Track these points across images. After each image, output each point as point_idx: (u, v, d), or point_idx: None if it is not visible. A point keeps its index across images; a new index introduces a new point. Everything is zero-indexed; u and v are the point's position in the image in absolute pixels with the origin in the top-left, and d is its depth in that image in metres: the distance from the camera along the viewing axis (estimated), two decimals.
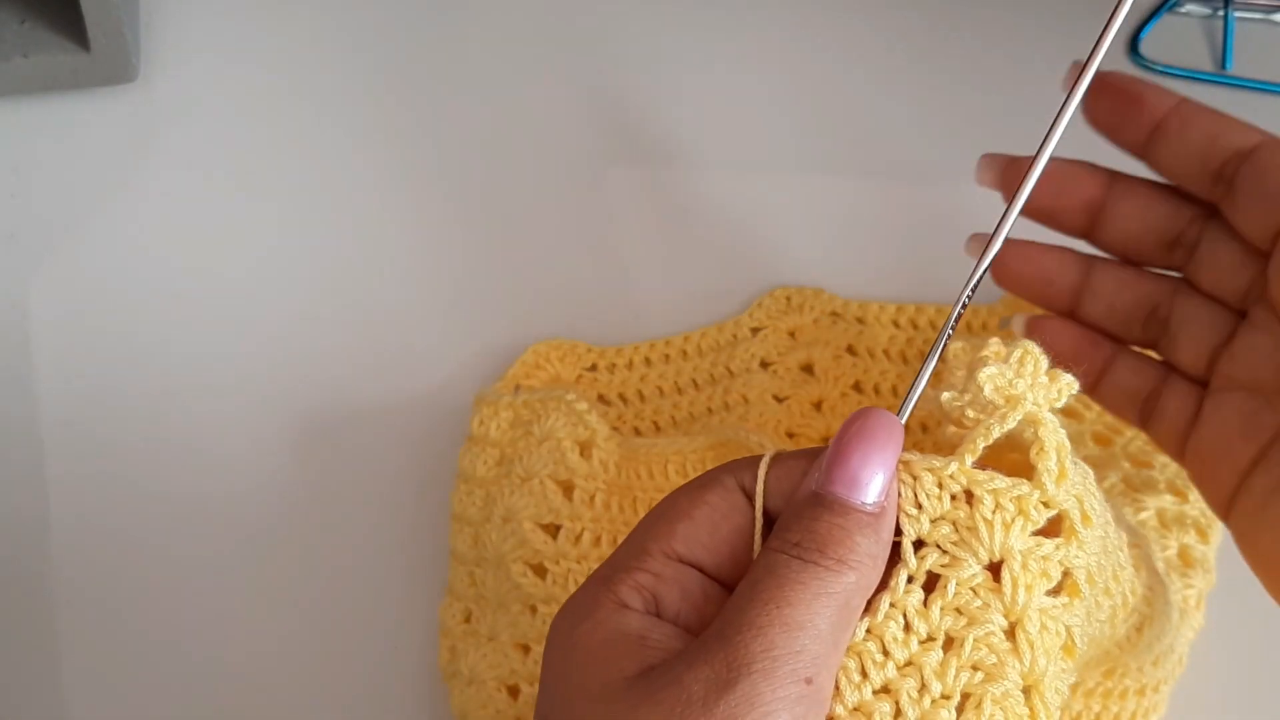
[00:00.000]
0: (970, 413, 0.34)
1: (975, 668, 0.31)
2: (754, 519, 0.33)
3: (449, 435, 0.51)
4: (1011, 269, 0.42)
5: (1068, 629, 0.32)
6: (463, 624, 0.47)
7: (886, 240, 0.55)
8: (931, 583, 0.32)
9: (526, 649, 0.45)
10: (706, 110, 0.58)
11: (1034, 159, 0.36)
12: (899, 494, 0.33)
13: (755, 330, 0.53)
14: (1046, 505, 0.32)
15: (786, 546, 0.31)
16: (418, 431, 0.52)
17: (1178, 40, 0.59)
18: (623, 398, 0.53)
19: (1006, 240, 0.37)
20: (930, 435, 0.48)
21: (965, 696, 0.31)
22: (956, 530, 0.32)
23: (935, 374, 0.35)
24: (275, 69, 0.58)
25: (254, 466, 0.52)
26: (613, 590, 0.32)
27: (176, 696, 0.49)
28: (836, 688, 0.31)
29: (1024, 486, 0.32)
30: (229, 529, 0.51)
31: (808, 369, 0.52)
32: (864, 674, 0.31)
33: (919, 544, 0.32)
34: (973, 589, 0.32)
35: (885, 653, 0.31)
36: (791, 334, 0.53)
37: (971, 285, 0.36)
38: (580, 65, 0.59)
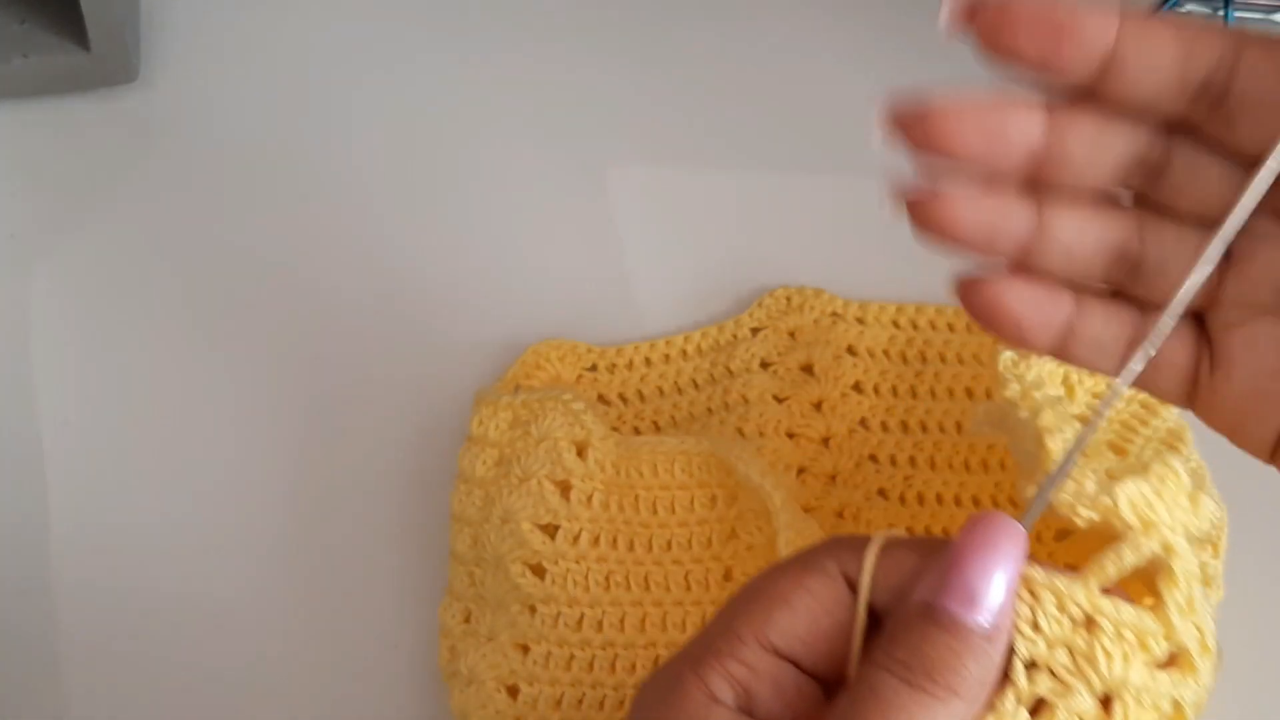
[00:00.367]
0: (1084, 511, 0.32)
1: None
2: (855, 614, 0.31)
3: (449, 435, 0.51)
4: (945, 218, 0.32)
5: None
6: (462, 624, 0.47)
7: (886, 240, 0.55)
8: (1037, 705, 0.30)
9: (526, 649, 0.45)
10: (707, 110, 0.58)
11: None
12: (1016, 611, 0.30)
13: (755, 330, 0.53)
14: (1170, 640, 0.31)
15: (893, 665, 0.29)
16: (418, 431, 0.52)
17: None
18: (623, 398, 0.53)
19: (936, 189, 0.32)
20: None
21: None
22: (1073, 656, 0.30)
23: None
24: (275, 69, 0.58)
25: (254, 466, 0.52)
26: (703, 678, 0.30)
27: (176, 696, 0.49)
28: None
29: (1150, 621, 0.30)
30: (229, 529, 0.51)
31: (808, 369, 0.52)
32: None
33: (1030, 663, 0.30)
34: (1079, 716, 0.30)
35: None
36: (791, 334, 0.53)
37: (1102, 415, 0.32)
38: (580, 65, 0.59)
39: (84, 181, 0.56)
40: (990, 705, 0.30)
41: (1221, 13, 0.60)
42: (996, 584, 0.30)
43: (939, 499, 0.50)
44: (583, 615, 0.45)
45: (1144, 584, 0.32)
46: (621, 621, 0.45)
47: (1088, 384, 0.45)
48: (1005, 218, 0.33)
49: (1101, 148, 0.33)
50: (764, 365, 0.52)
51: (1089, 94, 0.32)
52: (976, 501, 0.49)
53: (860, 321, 0.53)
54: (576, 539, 0.46)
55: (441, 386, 0.52)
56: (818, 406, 0.51)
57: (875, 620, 0.31)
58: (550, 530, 0.46)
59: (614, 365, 0.53)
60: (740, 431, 0.51)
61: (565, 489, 0.46)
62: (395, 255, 0.55)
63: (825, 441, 0.51)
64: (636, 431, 0.52)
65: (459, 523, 0.48)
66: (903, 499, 0.50)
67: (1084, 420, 0.47)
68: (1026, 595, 0.30)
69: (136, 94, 0.57)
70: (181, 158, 0.57)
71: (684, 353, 0.53)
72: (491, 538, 0.46)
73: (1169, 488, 0.32)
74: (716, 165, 0.57)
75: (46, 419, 0.52)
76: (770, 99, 0.58)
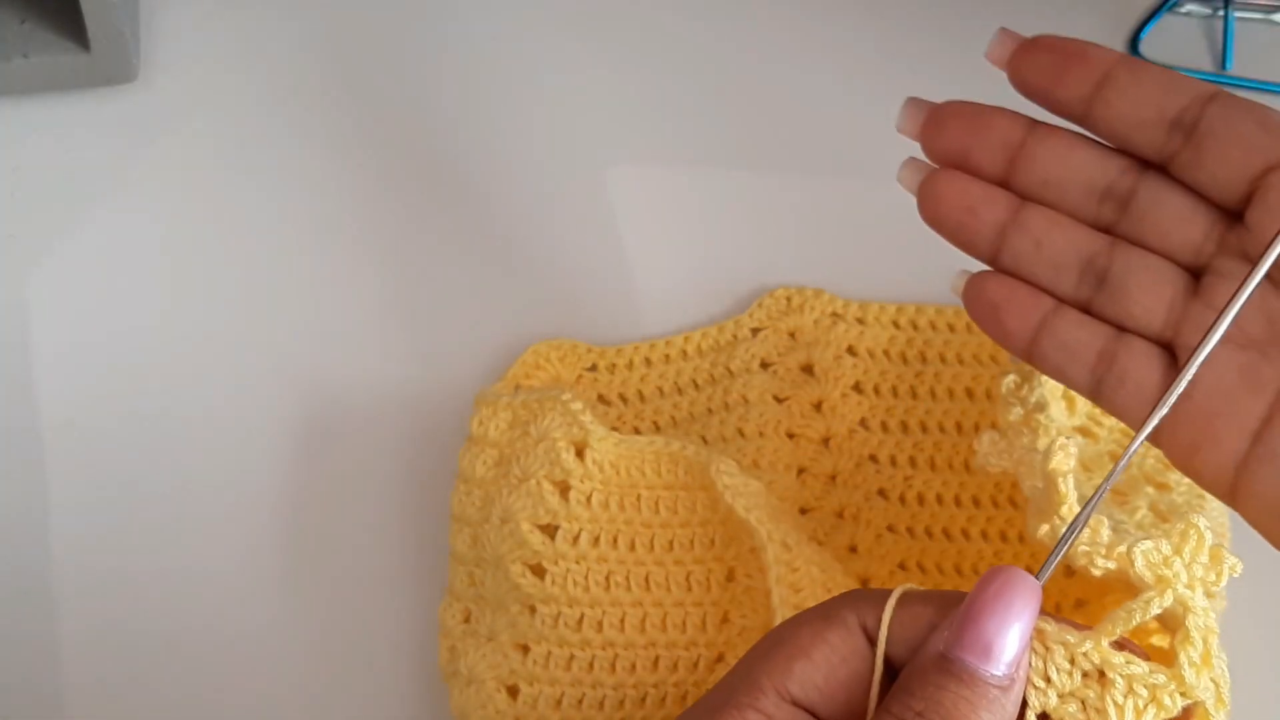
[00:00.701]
0: (1100, 561, 0.32)
1: None
2: (873, 665, 0.32)
3: (449, 435, 0.51)
4: (933, 191, 0.38)
5: None
6: (462, 624, 0.47)
7: (886, 240, 0.55)
8: None
9: (525, 649, 0.45)
10: (707, 110, 0.58)
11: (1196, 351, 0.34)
12: (1029, 664, 0.31)
13: (755, 331, 0.53)
14: (1183, 694, 0.31)
15: (907, 714, 0.30)
16: (418, 431, 0.52)
17: (1177, 40, 0.59)
18: (623, 398, 0.53)
19: (931, 166, 0.37)
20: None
21: None
22: (1084, 709, 0.31)
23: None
24: (275, 69, 0.58)
25: (254, 466, 0.52)
26: None
27: (176, 696, 0.49)
28: None
29: (1161, 676, 0.31)
30: (229, 529, 0.51)
31: (808, 369, 0.52)
32: None
33: (1043, 716, 0.31)
34: None
35: None
36: (791, 334, 0.53)
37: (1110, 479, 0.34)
38: (580, 64, 0.59)
39: (84, 181, 0.56)
40: None
41: (1221, 13, 0.60)
42: (1011, 636, 0.31)
43: (939, 499, 0.50)
44: (583, 615, 0.45)
45: (1168, 630, 0.32)
46: (622, 622, 0.45)
47: None
48: (985, 200, 0.37)
49: (1073, 167, 0.37)
50: (764, 365, 0.52)
51: (1078, 117, 0.36)
52: (976, 502, 0.49)
53: (860, 322, 0.53)
54: (576, 539, 0.46)
55: (441, 386, 0.52)
56: (818, 407, 0.51)
57: (891, 671, 0.32)
58: (550, 530, 0.46)
59: (614, 365, 0.53)
60: (740, 432, 0.51)
61: (564, 489, 0.46)
62: (395, 255, 0.55)
63: (825, 442, 0.51)
64: (636, 431, 0.52)
65: (459, 523, 0.48)
66: (902, 499, 0.50)
67: (1086, 434, 0.47)
68: (1039, 647, 0.31)
69: (136, 94, 0.57)
70: (181, 158, 0.57)
71: (684, 353, 0.53)
72: (491, 538, 0.46)
73: (1190, 543, 0.32)
74: (716, 165, 0.57)
75: (46, 419, 0.52)
76: (770, 99, 0.59)
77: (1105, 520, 0.34)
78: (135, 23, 0.57)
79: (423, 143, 0.57)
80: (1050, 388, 0.43)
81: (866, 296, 0.54)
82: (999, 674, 0.30)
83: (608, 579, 0.46)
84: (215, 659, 0.49)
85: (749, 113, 0.58)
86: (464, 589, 0.48)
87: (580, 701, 0.45)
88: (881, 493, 0.50)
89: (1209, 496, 0.39)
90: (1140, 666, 0.31)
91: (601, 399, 0.52)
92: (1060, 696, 0.31)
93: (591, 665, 0.45)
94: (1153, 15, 0.60)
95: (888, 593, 0.32)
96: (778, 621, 0.42)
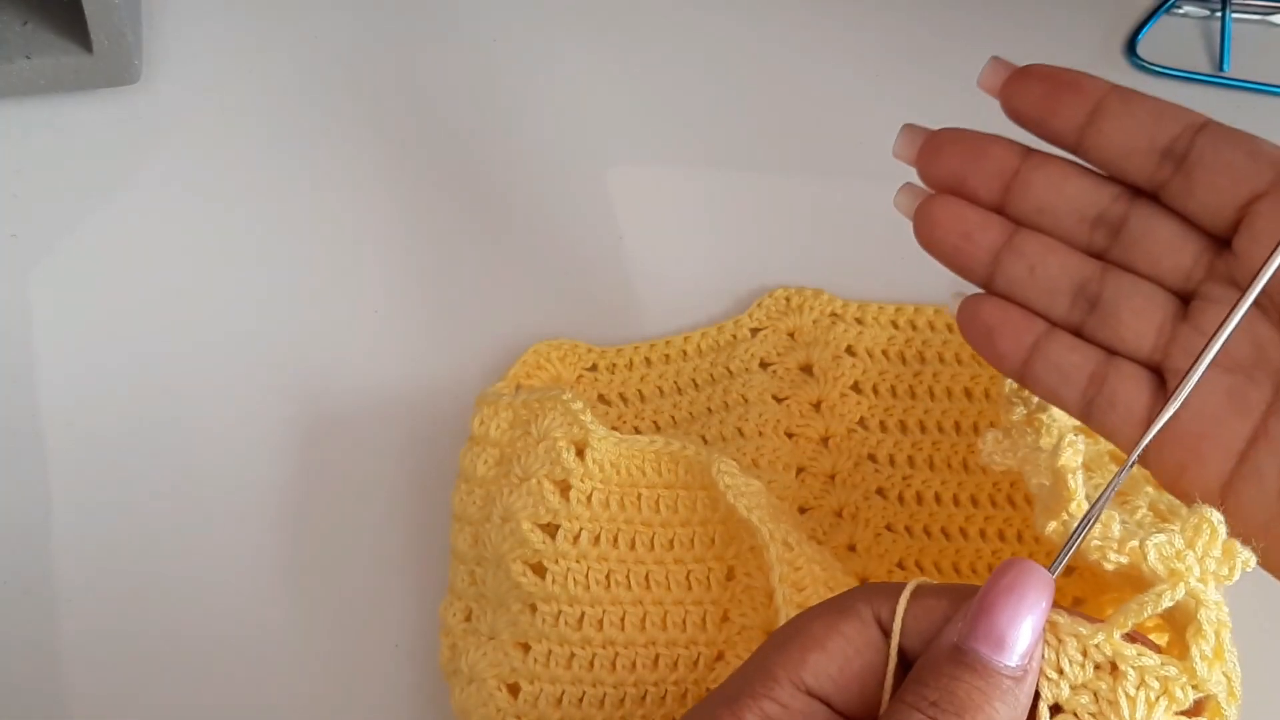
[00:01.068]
0: (1112, 556, 0.33)
1: None
2: (887, 656, 0.32)
3: (449, 435, 0.51)
4: (928, 216, 0.39)
5: None
6: (463, 623, 0.47)
7: (886, 240, 0.55)
8: None
9: (526, 648, 0.45)
10: (707, 110, 0.58)
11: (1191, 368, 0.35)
12: (1042, 655, 0.31)
13: (755, 331, 0.53)
14: (1195, 688, 0.31)
15: (921, 704, 0.30)
16: (419, 431, 0.52)
17: (1175, 41, 0.60)
18: (623, 398, 0.53)
19: (927, 191, 0.38)
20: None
21: None
22: (1096, 701, 0.31)
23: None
24: (277, 70, 0.59)
25: (255, 466, 0.52)
26: (738, 716, 0.31)
27: (177, 695, 0.49)
28: None
29: (1173, 669, 0.31)
30: (229, 529, 0.51)
31: (807, 369, 0.52)
32: None
33: (1055, 708, 0.31)
34: None
35: None
36: (791, 334, 0.53)
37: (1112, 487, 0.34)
38: (580, 65, 0.59)
39: (85, 182, 0.56)
40: None
41: (1219, 14, 0.60)
42: (1024, 628, 0.31)
43: (938, 499, 0.50)
44: (583, 614, 0.45)
45: (1174, 628, 0.32)
46: (622, 620, 0.45)
47: None
48: (980, 225, 0.38)
49: (1067, 195, 0.38)
50: (763, 365, 0.53)
51: (1071, 145, 0.38)
52: (974, 501, 0.49)
53: (859, 322, 0.53)
54: (576, 538, 0.46)
55: (443, 386, 0.53)
56: (817, 406, 0.51)
57: (905, 663, 0.32)
58: (550, 529, 0.46)
59: (614, 365, 0.53)
60: (740, 431, 0.51)
61: (565, 488, 0.46)
62: (396, 256, 0.55)
63: (824, 441, 0.51)
64: (637, 431, 0.52)
65: (460, 522, 0.48)
66: (901, 498, 0.50)
67: (1086, 434, 0.47)
68: (1052, 639, 0.32)
69: (138, 95, 0.57)
70: (183, 159, 0.57)
71: (684, 353, 0.53)
72: (492, 537, 0.47)
73: (1203, 537, 0.32)
74: (717, 165, 0.57)
75: (47, 419, 0.52)
76: (771, 100, 0.59)
77: (1116, 515, 0.35)
78: (138, 24, 0.57)
79: (424, 144, 0.57)
80: None
81: (866, 296, 0.54)
82: (1012, 665, 0.31)
83: (608, 578, 0.46)
84: (215, 658, 0.49)
85: (749, 113, 0.58)
86: (465, 588, 0.48)
87: (581, 700, 0.45)
88: (880, 492, 0.50)
89: None
90: (1152, 659, 0.31)
91: (602, 399, 0.52)
92: (1073, 688, 0.31)
93: (592, 663, 0.45)
94: (1150, 17, 0.60)
95: (901, 586, 0.33)
96: (782, 620, 0.42)
